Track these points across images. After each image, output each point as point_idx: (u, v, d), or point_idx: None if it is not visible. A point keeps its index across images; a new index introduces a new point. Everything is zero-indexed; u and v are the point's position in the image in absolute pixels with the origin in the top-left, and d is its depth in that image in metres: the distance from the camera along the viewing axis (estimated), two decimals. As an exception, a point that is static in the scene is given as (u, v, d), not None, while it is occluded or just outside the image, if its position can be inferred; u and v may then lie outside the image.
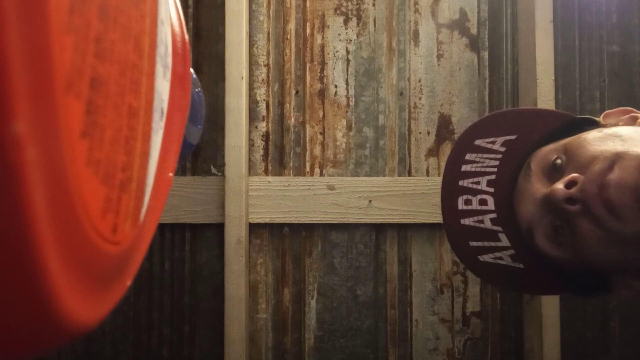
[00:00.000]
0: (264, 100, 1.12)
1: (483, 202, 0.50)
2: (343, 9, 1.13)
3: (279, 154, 1.12)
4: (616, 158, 0.40)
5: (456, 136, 1.12)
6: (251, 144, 1.11)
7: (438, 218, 1.07)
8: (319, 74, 1.13)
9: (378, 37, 1.13)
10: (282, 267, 1.11)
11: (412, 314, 1.11)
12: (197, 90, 0.63)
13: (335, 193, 1.08)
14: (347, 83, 1.13)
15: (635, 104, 1.10)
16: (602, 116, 0.50)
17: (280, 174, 1.11)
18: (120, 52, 0.18)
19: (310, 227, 1.11)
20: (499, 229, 0.49)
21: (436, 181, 1.08)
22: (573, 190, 0.41)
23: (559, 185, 0.42)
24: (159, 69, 0.23)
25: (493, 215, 0.49)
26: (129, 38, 0.19)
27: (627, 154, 0.40)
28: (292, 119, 1.12)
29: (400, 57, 1.13)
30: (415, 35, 1.13)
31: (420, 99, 1.13)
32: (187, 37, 0.29)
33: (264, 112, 1.12)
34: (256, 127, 1.12)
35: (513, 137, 0.50)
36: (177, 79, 0.27)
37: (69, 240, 0.15)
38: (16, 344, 0.14)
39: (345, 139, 1.12)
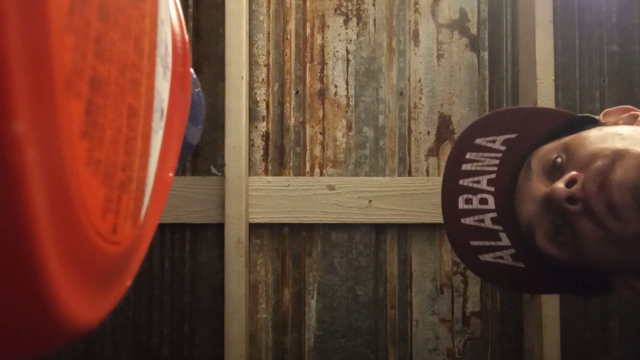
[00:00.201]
0: (264, 100, 1.12)
1: (483, 201, 0.50)
2: (343, 9, 1.13)
3: (279, 154, 1.12)
4: (616, 156, 0.40)
5: (456, 136, 1.12)
6: (251, 144, 1.11)
7: (438, 218, 1.07)
8: (319, 74, 1.13)
9: (378, 37, 1.13)
10: (282, 267, 1.11)
11: (412, 314, 1.11)
12: (197, 90, 0.62)
13: (335, 193, 1.08)
14: (347, 83, 1.13)
15: (635, 104, 1.10)
16: (601, 114, 0.50)
17: (280, 174, 1.11)
18: (120, 52, 0.18)
19: (310, 227, 1.11)
20: (500, 228, 0.49)
21: (436, 181, 1.08)
22: (574, 188, 0.41)
23: (560, 184, 0.41)
24: (159, 69, 0.23)
25: (493, 215, 0.49)
26: (129, 38, 0.19)
27: (628, 153, 0.40)
28: (292, 119, 1.12)
29: (400, 57, 1.13)
30: (415, 35, 1.13)
31: (420, 99, 1.13)
32: (187, 37, 0.29)
33: (264, 112, 1.12)
34: (256, 127, 1.12)
35: (513, 135, 0.50)
36: (177, 79, 0.27)
37: (69, 240, 0.15)
38: (16, 344, 0.14)
39: (345, 139, 1.12)
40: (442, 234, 1.11)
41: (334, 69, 1.13)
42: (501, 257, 0.49)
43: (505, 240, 0.49)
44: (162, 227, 1.10)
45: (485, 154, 0.51)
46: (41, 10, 0.13)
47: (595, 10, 1.14)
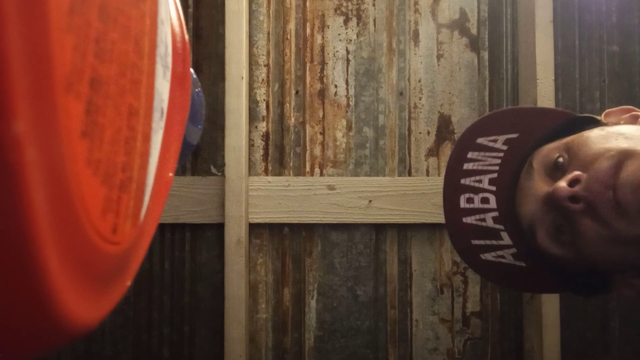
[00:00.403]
0: (264, 100, 1.12)
1: (485, 200, 0.50)
2: (343, 9, 1.13)
3: (279, 154, 1.12)
4: (623, 156, 0.40)
5: (456, 136, 1.12)
6: (251, 144, 1.11)
7: (438, 218, 1.07)
8: (319, 74, 1.13)
9: (378, 37, 1.13)
10: (282, 267, 1.11)
11: (412, 314, 1.11)
12: (197, 90, 0.63)
13: (335, 193, 1.08)
14: (347, 83, 1.13)
15: (635, 104, 1.10)
16: (603, 115, 0.50)
17: (280, 174, 1.11)
18: (120, 52, 0.18)
19: (310, 227, 1.11)
20: (501, 227, 0.49)
21: (436, 181, 1.08)
22: (576, 188, 0.41)
23: (562, 184, 0.41)
24: (159, 69, 0.23)
25: (495, 214, 0.49)
26: (129, 38, 0.19)
27: (636, 152, 0.39)
28: (292, 119, 1.12)
29: (400, 57, 1.13)
30: (415, 35, 1.13)
31: (420, 99, 1.13)
32: (187, 37, 0.29)
33: (264, 112, 1.12)
34: (256, 127, 1.12)
35: (515, 135, 0.50)
36: (177, 79, 0.27)
37: (69, 240, 0.15)
38: (16, 344, 0.14)
39: (345, 139, 1.12)
40: (442, 234, 1.11)
41: (334, 69, 1.13)
42: (502, 257, 0.49)
43: (506, 240, 0.49)
44: (162, 227, 1.10)
45: (487, 154, 0.51)
46: (41, 10, 0.13)
47: (595, 10, 1.14)
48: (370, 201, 1.08)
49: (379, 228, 1.11)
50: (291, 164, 1.12)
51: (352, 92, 1.12)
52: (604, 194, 0.39)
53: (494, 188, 0.50)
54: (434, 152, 1.12)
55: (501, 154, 0.50)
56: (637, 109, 0.48)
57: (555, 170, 0.44)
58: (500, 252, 0.49)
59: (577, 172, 0.41)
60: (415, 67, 1.13)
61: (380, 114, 1.12)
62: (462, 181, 0.51)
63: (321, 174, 1.11)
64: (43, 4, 0.13)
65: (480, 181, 0.50)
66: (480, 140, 0.51)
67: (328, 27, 1.13)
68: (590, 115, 0.50)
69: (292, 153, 1.12)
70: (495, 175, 0.50)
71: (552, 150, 0.46)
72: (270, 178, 1.09)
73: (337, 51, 1.13)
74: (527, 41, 1.07)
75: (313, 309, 1.11)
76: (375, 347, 1.11)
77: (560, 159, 0.44)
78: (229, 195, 1.04)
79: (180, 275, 1.11)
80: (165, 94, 0.25)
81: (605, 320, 1.10)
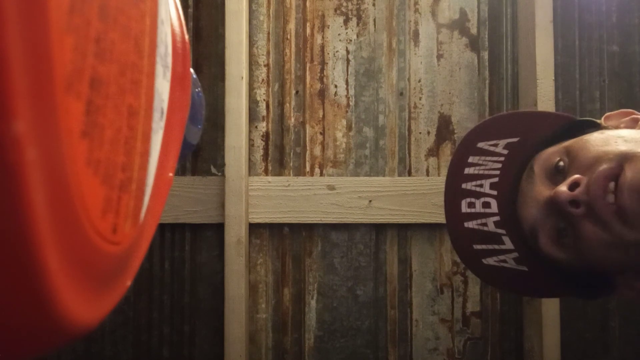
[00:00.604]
0: (264, 100, 1.12)
1: (486, 204, 0.50)
2: (343, 9, 1.13)
3: (279, 154, 1.12)
4: (623, 159, 0.40)
5: (456, 136, 1.12)
6: (251, 144, 1.11)
7: (438, 218, 1.07)
8: (319, 74, 1.13)
9: (378, 37, 1.13)
10: (282, 267, 1.11)
11: (412, 314, 1.11)
12: (197, 90, 0.62)
13: (335, 193, 1.08)
14: (347, 83, 1.13)
15: (635, 104, 1.10)
16: (603, 118, 0.50)
17: (280, 174, 1.11)
18: (120, 52, 0.18)
19: (310, 227, 1.11)
20: (503, 231, 0.49)
21: (436, 181, 1.08)
22: (576, 192, 0.40)
23: (563, 188, 0.41)
24: (159, 69, 0.23)
25: (496, 218, 0.49)
26: (129, 38, 0.19)
27: (635, 156, 0.39)
28: (292, 119, 1.12)
29: (400, 57, 1.13)
30: (415, 35, 1.13)
31: (420, 99, 1.13)
32: (187, 37, 0.29)
33: (264, 112, 1.12)
34: (256, 127, 1.12)
35: (515, 139, 0.50)
36: (177, 79, 0.27)
37: (69, 240, 0.15)
38: (16, 344, 0.14)
39: (345, 139, 1.12)
40: (442, 234, 1.11)
41: (334, 69, 1.13)
42: (504, 261, 0.49)
43: (508, 244, 0.49)
44: (162, 227, 1.10)
45: (488, 158, 0.50)
46: (41, 10, 0.13)
47: (595, 10, 1.14)
48: (370, 201, 1.08)
49: (379, 228, 1.11)
50: (291, 164, 1.12)
51: (352, 92, 1.12)
52: (603, 198, 0.39)
53: (495, 192, 0.50)
54: (434, 152, 1.12)
55: (502, 158, 0.50)
56: (637, 112, 0.48)
57: (556, 174, 0.44)
58: (502, 257, 0.49)
59: (577, 176, 0.41)
60: (415, 67, 1.13)
61: (380, 114, 1.12)
62: (463, 186, 0.51)
63: (321, 174, 1.11)
64: (43, 4, 0.13)
65: (481, 185, 0.50)
66: (480, 145, 0.51)
67: (328, 27, 1.13)
68: (590, 118, 0.50)
69: (292, 153, 1.12)
70: (496, 179, 0.50)
71: (552, 154, 0.46)
72: (270, 178, 1.09)
73: (337, 51, 1.13)
74: (527, 41, 1.07)
75: (313, 309, 1.11)
76: (375, 347, 1.11)
77: (561, 163, 0.44)
78: (229, 195, 1.04)
79: (180, 275, 1.11)
80: (165, 94, 0.25)
81: (605, 320, 1.10)
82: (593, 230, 0.41)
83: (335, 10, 1.13)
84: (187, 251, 1.11)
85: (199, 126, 0.65)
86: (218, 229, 1.08)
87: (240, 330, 1.02)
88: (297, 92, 1.12)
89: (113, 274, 0.19)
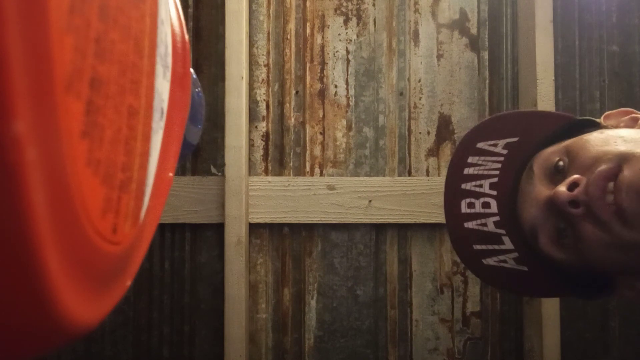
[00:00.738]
0: (264, 100, 1.12)
1: (486, 205, 0.50)
2: (343, 9, 1.13)
3: (279, 154, 1.12)
4: (622, 159, 0.40)
5: (456, 136, 1.12)
6: (251, 144, 1.11)
7: (438, 218, 1.07)
8: (319, 74, 1.13)
9: (378, 37, 1.13)
10: (282, 267, 1.11)
11: (412, 314, 1.11)
12: (197, 90, 0.62)
13: (335, 193, 1.08)
14: (347, 83, 1.13)
15: (635, 104, 1.10)
16: (602, 117, 0.50)
17: (280, 174, 1.11)
18: (120, 52, 0.18)
19: (310, 227, 1.11)
20: (502, 231, 0.49)
21: (436, 181, 1.08)
22: (576, 192, 0.40)
23: (562, 188, 0.41)
24: (159, 69, 0.23)
25: (496, 218, 0.49)
26: (129, 38, 0.19)
27: (634, 156, 0.39)
28: (292, 119, 1.12)
29: (400, 57, 1.13)
30: (415, 35, 1.13)
31: (420, 99, 1.13)
32: (187, 37, 0.29)
33: (264, 112, 1.12)
34: (256, 127, 1.12)
35: (515, 139, 0.50)
36: (177, 79, 0.27)
37: (69, 240, 0.15)
38: (16, 344, 0.14)
39: (345, 139, 1.12)
40: (442, 234, 1.11)
41: (334, 69, 1.13)
42: (504, 261, 0.49)
43: (508, 244, 0.49)
44: (162, 227, 1.10)
45: (487, 158, 0.50)
46: (41, 10, 0.13)
47: (595, 10, 1.14)
48: (370, 201, 1.08)
49: (379, 228, 1.11)
50: (291, 164, 1.12)
51: (352, 92, 1.12)
52: (602, 198, 0.39)
53: (494, 192, 0.50)
54: (434, 152, 1.12)
55: (501, 158, 0.50)
56: (636, 111, 0.48)
57: (556, 174, 0.44)
58: (502, 257, 0.49)
59: (576, 176, 0.41)
60: (415, 67, 1.13)
61: (380, 114, 1.12)
62: (463, 186, 0.51)
63: (321, 174, 1.11)
64: (43, 4, 0.13)
65: (481, 186, 0.50)
66: (480, 145, 0.51)
67: (328, 27, 1.13)
68: (589, 118, 0.50)
69: (292, 153, 1.12)
70: (495, 179, 0.50)
71: (552, 153, 0.46)
72: (270, 178, 1.09)
73: (337, 51, 1.13)
74: (527, 41, 1.07)
75: (313, 309, 1.11)
76: (375, 347, 1.11)
77: (561, 163, 0.44)
78: (229, 195, 1.04)
79: (180, 275, 1.11)
80: (165, 94, 0.25)
81: (605, 320, 1.10)
82: (593, 231, 0.41)
83: (335, 10, 1.13)
84: (187, 251, 1.11)
85: (199, 126, 0.65)
86: (218, 229, 1.08)
87: (240, 330, 1.02)
88: (297, 92, 1.12)
89: (113, 274, 0.19)
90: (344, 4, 1.13)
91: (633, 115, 0.48)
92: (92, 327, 0.17)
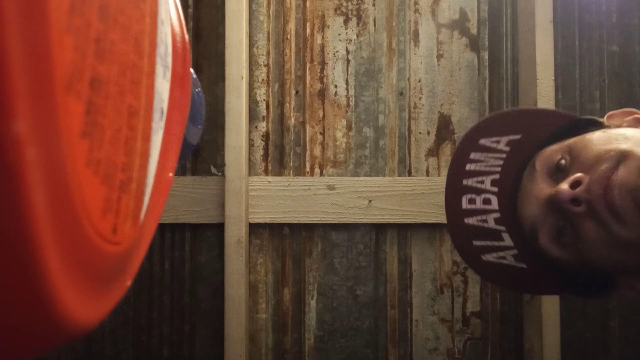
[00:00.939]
0: (264, 100, 1.12)
1: (487, 201, 0.50)
2: (343, 9, 1.13)
3: (279, 154, 1.12)
4: (621, 157, 0.40)
5: (456, 136, 1.12)
6: (251, 144, 1.11)
7: (438, 218, 1.07)
8: (319, 74, 1.13)
9: (378, 37, 1.13)
10: (282, 267, 1.11)
11: (412, 314, 1.11)
12: (197, 90, 0.63)
13: (335, 193, 1.08)
14: (347, 83, 1.13)
15: (635, 104, 1.10)
16: (605, 117, 0.50)
17: (280, 174, 1.11)
18: (120, 52, 0.18)
19: (310, 227, 1.11)
20: (503, 228, 0.49)
21: (436, 181, 1.08)
22: (578, 190, 0.40)
23: (564, 186, 0.41)
24: (159, 69, 0.23)
25: (497, 215, 0.49)
26: (129, 38, 0.19)
27: (632, 154, 0.39)
28: (292, 119, 1.12)
29: (400, 57, 1.13)
30: (415, 35, 1.13)
31: (420, 99, 1.13)
32: (187, 37, 0.29)
33: (264, 112, 1.12)
34: (256, 127, 1.12)
35: (517, 136, 0.50)
36: (177, 79, 0.27)
37: (69, 240, 0.15)
38: (16, 344, 0.14)
39: (345, 139, 1.12)
40: (442, 234, 1.11)
41: (334, 69, 1.13)
42: (503, 258, 0.49)
43: (507, 241, 0.49)
44: (162, 227, 1.10)
45: (490, 155, 0.51)
46: (41, 10, 0.13)
47: (595, 10, 1.14)
48: (370, 201, 1.08)
49: (379, 228, 1.11)
50: (291, 164, 1.12)
51: (352, 92, 1.12)
52: (601, 196, 0.39)
53: (496, 189, 0.50)
54: (434, 152, 1.12)
55: (504, 155, 0.50)
56: (639, 112, 0.48)
57: (558, 172, 0.44)
58: (501, 254, 0.49)
59: (578, 174, 0.41)
60: (415, 67, 1.13)
61: (380, 114, 1.12)
62: (465, 182, 0.51)
63: (321, 174, 1.11)
64: (43, 4, 0.13)
65: (482, 182, 0.50)
66: (482, 141, 0.51)
67: (328, 27, 1.13)
68: (592, 117, 0.50)
69: (292, 153, 1.12)
70: (497, 176, 0.50)
71: (554, 152, 0.46)
72: (270, 178, 1.09)
73: (337, 51, 1.13)
74: (527, 41, 1.07)
75: (313, 309, 1.11)
76: (375, 347, 1.11)
77: (563, 161, 0.44)
78: (229, 195, 1.04)
79: (180, 275, 1.11)
80: (165, 94, 0.25)
81: (605, 320, 1.10)
82: (593, 230, 0.41)
83: (335, 10, 1.13)
84: (187, 251, 1.11)
85: (199, 126, 0.65)
86: (218, 229, 1.08)
87: (240, 330, 1.02)
88: (297, 92, 1.12)
89: (113, 274, 0.19)
90: (344, 4, 1.13)
91: (636, 115, 0.48)
92: (92, 327, 0.17)
